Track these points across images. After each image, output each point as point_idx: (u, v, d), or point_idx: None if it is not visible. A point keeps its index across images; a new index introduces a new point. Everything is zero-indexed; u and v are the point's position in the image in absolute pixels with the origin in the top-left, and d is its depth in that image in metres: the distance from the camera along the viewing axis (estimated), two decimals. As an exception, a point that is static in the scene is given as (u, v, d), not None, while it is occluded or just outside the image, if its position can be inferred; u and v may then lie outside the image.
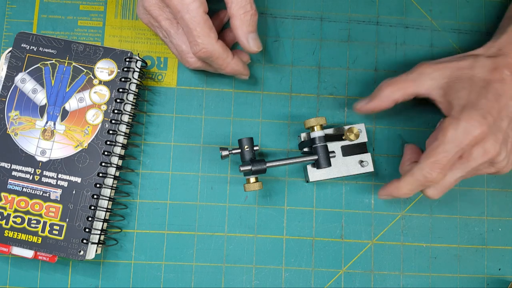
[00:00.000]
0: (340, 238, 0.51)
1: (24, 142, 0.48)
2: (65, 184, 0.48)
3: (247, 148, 0.47)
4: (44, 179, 0.48)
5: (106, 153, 0.48)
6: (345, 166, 0.50)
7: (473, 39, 0.54)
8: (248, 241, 0.51)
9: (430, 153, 0.44)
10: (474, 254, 0.52)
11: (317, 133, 0.48)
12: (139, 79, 0.50)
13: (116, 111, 0.48)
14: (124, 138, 0.49)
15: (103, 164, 0.48)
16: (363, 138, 0.50)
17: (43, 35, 0.49)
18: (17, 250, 0.47)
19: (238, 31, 0.45)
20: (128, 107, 0.50)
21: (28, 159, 0.48)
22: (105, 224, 0.49)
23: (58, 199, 0.47)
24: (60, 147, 0.48)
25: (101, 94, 0.49)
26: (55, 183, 0.48)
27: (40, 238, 0.47)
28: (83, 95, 0.49)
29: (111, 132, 0.48)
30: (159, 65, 0.53)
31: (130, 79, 0.49)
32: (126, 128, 0.49)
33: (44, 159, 0.48)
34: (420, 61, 0.54)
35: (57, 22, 0.52)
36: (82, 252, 0.47)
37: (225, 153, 0.48)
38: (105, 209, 0.48)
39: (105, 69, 0.49)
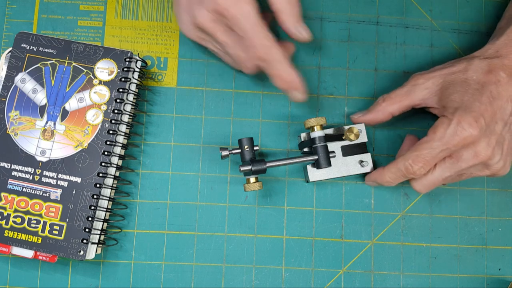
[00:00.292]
0: (340, 238, 0.51)
1: (24, 142, 0.48)
2: (65, 184, 0.48)
3: (247, 148, 0.47)
4: (44, 179, 0.48)
5: (106, 153, 0.48)
6: (345, 166, 0.50)
7: (473, 39, 0.54)
8: (248, 241, 0.51)
9: (416, 147, 0.45)
10: (474, 254, 0.52)
11: (317, 133, 0.48)
12: (139, 79, 0.50)
13: (116, 111, 0.48)
14: (124, 138, 0.49)
15: (103, 164, 0.48)
16: (363, 138, 0.50)
17: (43, 35, 0.49)
18: (17, 250, 0.47)
19: (287, 24, 0.45)
20: (128, 107, 0.50)
21: (28, 159, 0.48)
22: (105, 224, 0.49)
23: (58, 199, 0.47)
24: (60, 147, 0.48)
25: (101, 94, 0.49)
26: (55, 183, 0.48)
27: (40, 238, 0.47)
28: (83, 95, 0.49)
29: (111, 132, 0.48)
30: (159, 65, 0.53)
31: (130, 79, 0.49)
32: (126, 128, 0.49)
33: (44, 159, 0.48)
34: (420, 61, 0.54)
35: (57, 22, 0.52)
36: (82, 252, 0.47)
37: (225, 153, 0.48)
38: (105, 209, 0.48)
39: (105, 69, 0.49)
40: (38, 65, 0.49)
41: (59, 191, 0.48)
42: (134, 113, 0.50)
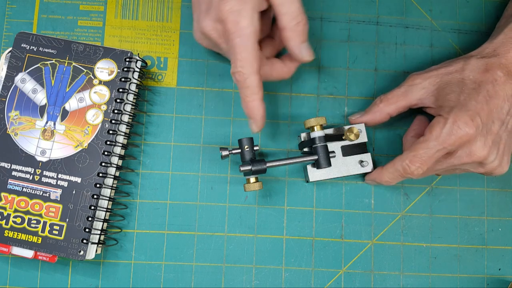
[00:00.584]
0: (340, 238, 0.51)
1: (24, 142, 0.48)
2: (65, 184, 0.48)
3: (247, 148, 0.47)
4: (44, 179, 0.48)
5: (106, 153, 0.48)
6: (345, 166, 0.50)
7: (473, 39, 0.54)
8: (248, 241, 0.51)
9: (413, 147, 0.45)
10: (474, 254, 0.52)
11: (317, 133, 0.48)
12: (139, 79, 0.50)
13: (116, 111, 0.48)
14: (124, 138, 0.49)
15: (103, 164, 0.48)
16: (363, 138, 0.50)
17: (43, 35, 0.49)
18: (17, 250, 0.47)
19: (291, 42, 0.44)
20: (128, 107, 0.50)
21: (28, 159, 0.48)
22: (105, 224, 0.49)
23: (58, 199, 0.47)
24: (60, 147, 0.48)
25: (101, 94, 0.49)
26: (55, 183, 0.48)
27: (40, 238, 0.47)
28: (83, 95, 0.49)
29: (111, 132, 0.48)
30: (159, 65, 0.53)
31: (130, 79, 0.49)
32: (126, 128, 0.49)
33: (44, 159, 0.48)
34: (420, 61, 0.54)
35: (57, 22, 0.52)
36: (82, 252, 0.47)
37: (225, 153, 0.48)
38: (105, 209, 0.48)
39: (105, 69, 0.49)
40: (38, 65, 0.49)
41: (59, 191, 0.48)
42: (134, 113, 0.50)
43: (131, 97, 0.49)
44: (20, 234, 0.47)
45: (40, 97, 0.49)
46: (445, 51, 0.54)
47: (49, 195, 0.48)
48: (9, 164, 0.48)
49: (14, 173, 0.48)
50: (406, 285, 0.51)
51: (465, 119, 0.43)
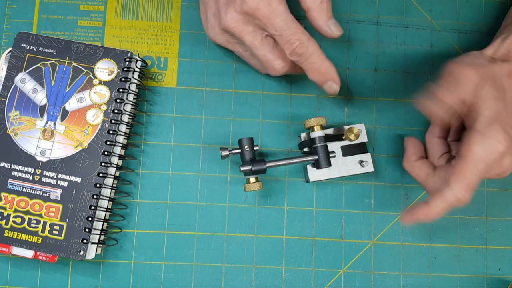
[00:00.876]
0: (340, 238, 0.51)
1: (24, 142, 0.48)
2: (65, 184, 0.48)
3: (247, 148, 0.47)
4: (44, 179, 0.48)
5: (106, 153, 0.48)
6: (345, 166, 0.50)
7: (473, 39, 0.54)
8: (248, 241, 0.51)
9: (461, 175, 0.42)
10: (474, 254, 0.52)
11: (317, 133, 0.48)
12: (139, 79, 0.50)
13: (116, 111, 0.48)
14: (124, 138, 0.49)
15: (103, 164, 0.48)
16: (363, 138, 0.50)
17: (43, 35, 0.49)
18: (17, 250, 0.47)
19: (318, 22, 0.45)
20: (128, 107, 0.50)
21: (28, 159, 0.48)
22: (105, 224, 0.49)
23: (58, 199, 0.47)
24: (60, 147, 0.48)
25: (101, 94, 0.49)
26: (55, 183, 0.48)
27: (40, 238, 0.47)
28: (83, 95, 0.49)
29: (111, 132, 0.48)
30: (159, 65, 0.53)
31: (130, 79, 0.49)
32: (126, 128, 0.49)
33: (44, 159, 0.48)
34: (420, 61, 0.54)
35: (57, 22, 0.52)
36: (82, 252, 0.47)
37: (225, 153, 0.48)
38: (105, 209, 0.48)
39: (105, 69, 0.49)
40: (38, 65, 0.49)
41: (59, 191, 0.48)
42: (134, 113, 0.50)
43: (131, 97, 0.49)
44: (20, 234, 0.47)
45: (40, 97, 0.49)
46: (445, 51, 0.54)
47: (49, 195, 0.48)
48: (9, 164, 0.48)
49: (14, 173, 0.48)
50: (406, 285, 0.51)
51: (502, 134, 0.41)
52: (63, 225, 0.47)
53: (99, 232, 0.48)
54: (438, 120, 0.48)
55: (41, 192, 0.48)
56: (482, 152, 0.41)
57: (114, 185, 0.49)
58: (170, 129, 0.52)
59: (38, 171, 0.48)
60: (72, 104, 0.49)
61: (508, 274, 0.52)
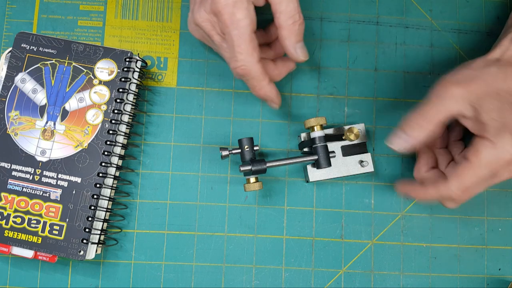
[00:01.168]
0: (340, 238, 0.51)
1: (24, 142, 0.48)
2: (65, 184, 0.48)
3: (247, 148, 0.47)
4: (44, 179, 0.48)
5: (106, 153, 0.48)
6: (345, 166, 0.50)
7: (473, 39, 0.54)
8: (248, 241, 0.51)
9: (461, 175, 0.42)
10: (474, 254, 0.52)
11: (317, 133, 0.48)
12: (139, 79, 0.50)
13: (116, 111, 0.48)
14: (124, 138, 0.49)
15: (103, 164, 0.48)
16: (363, 138, 0.50)
17: (43, 35, 0.49)
18: (17, 250, 0.47)
19: (286, 41, 0.45)
20: (128, 107, 0.50)
21: (28, 159, 0.48)
22: (105, 224, 0.49)
23: (58, 199, 0.47)
24: (60, 147, 0.48)
25: (101, 94, 0.49)
26: (55, 183, 0.48)
27: (40, 238, 0.47)
28: (83, 95, 0.49)
29: (111, 132, 0.48)
30: (159, 65, 0.53)
31: (130, 79, 0.49)
32: (126, 128, 0.49)
33: (44, 159, 0.48)
34: (420, 61, 0.54)
35: (57, 22, 0.52)
36: (82, 252, 0.47)
37: (225, 153, 0.48)
38: (105, 209, 0.48)
39: (105, 69, 0.49)
40: (38, 65, 0.49)
41: (59, 191, 0.48)
42: (134, 113, 0.50)
43: (131, 97, 0.49)
44: (20, 234, 0.47)
45: (40, 97, 0.49)
46: (445, 51, 0.54)
47: (49, 195, 0.48)
48: (9, 164, 0.48)
49: (14, 173, 0.48)
50: (406, 285, 0.51)
51: (511, 141, 0.41)
52: (63, 225, 0.47)
53: (99, 232, 0.48)
54: (423, 149, 0.49)
55: (41, 192, 0.48)
56: (489, 159, 0.41)
57: (114, 185, 0.49)
58: (170, 129, 0.52)
59: (38, 171, 0.48)
60: (72, 104, 0.49)
61: (508, 274, 0.52)
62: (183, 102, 0.52)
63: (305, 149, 0.50)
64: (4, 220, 0.47)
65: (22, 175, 0.48)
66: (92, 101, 0.49)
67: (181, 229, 0.51)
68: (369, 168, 0.50)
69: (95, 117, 0.49)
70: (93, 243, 0.47)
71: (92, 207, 0.47)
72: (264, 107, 0.52)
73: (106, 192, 0.48)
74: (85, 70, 0.49)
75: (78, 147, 0.48)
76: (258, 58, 0.44)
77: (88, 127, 0.48)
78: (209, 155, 0.52)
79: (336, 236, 0.51)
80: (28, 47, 0.49)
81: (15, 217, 0.47)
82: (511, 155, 0.41)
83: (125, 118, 0.49)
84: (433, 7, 0.55)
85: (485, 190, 0.53)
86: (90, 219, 0.47)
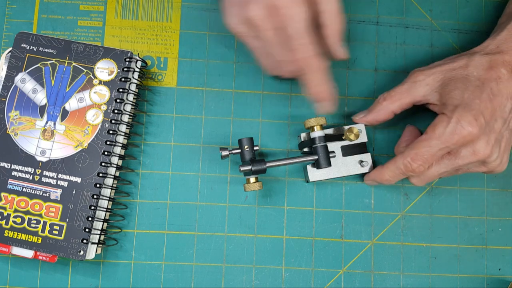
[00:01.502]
0: (340, 238, 0.51)
1: (24, 142, 0.48)
2: (65, 184, 0.48)
3: (247, 148, 0.47)
4: (44, 179, 0.48)
5: (106, 153, 0.48)
6: (345, 166, 0.50)
7: (473, 39, 0.54)
8: (248, 241, 0.51)
9: (415, 145, 0.45)
10: (474, 254, 0.52)
11: (317, 133, 0.48)
12: (139, 79, 0.50)
13: (116, 111, 0.48)
14: (124, 138, 0.49)
15: (103, 164, 0.48)
16: (363, 138, 0.50)
17: (43, 35, 0.49)
18: (17, 250, 0.47)
19: (330, 39, 0.45)
20: (128, 107, 0.50)
21: (28, 159, 0.48)
22: (105, 224, 0.49)
23: (58, 199, 0.47)
24: (60, 147, 0.48)
25: (101, 94, 0.49)
26: (55, 183, 0.48)
27: (40, 238, 0.47)
28: (83, 95, 0.49)
29: (111, 132, 0.48)
30: (159, 65, 0.53)
31: (130, 79, 0.49)
32: (126, 128, 0.49)
33: (44, 159, 0.48)
34: (420, 61, 0.54)
35: (57, 22, 0.52)
36: (82, 252, 0.47)
37: (225, 153, 0.48)
38: (105, 209, 0.48)
39: (105, 69, 0.49)
40: (38, 65, 0.49)
41: (59, 191, 0.48)
42: (134, 113, 0.50)
43: (131, 97, 0.49)
44: (20, 234, 0.47)
45: (40, 97, 0.49)
46: (445, 51, 0.54)
47: (49, 195, 0.48)
48: (9, 164, 0.48)
49: (14, 173, 0.48)
50: (406, 285, 0.51)
51: (469, 118, 0.43)
52: (63, 225, 0.47)
53: (99, 232, 0.48)
54: (409, 126, 0.52)
55: (41, 192, 0.48)
56: (443, 131, 0.44)
57: (114, 185, 0.49)
58: (170, 129, 0.52)
59: (38, 171, 0.48)
60: (72, 104, 0.49)
61: (508, 274, 0.52)
62: (183, 102, 0.52)
63: (305, 149, 0.50)
64: (4, 220, 0.47)
65: (22, 175, 0.48)
66: (92, 101, 0.49)
67: (181, 229, 0.51)
68: (369, 168, 0.50)
69: (95, 117, 0.49)
70: (93, 243, 0.47)
71: (92, 207, 0.47)
72: (264, 107, 0.52)
73: (106, 192, 0.48)
74: (85, 70, 0.49)
75: (78, 147, 0.48)
76: (317, 51, 0.44)
77: (88, 127, 0.48)
78: (209, 155, 0.52)
79: (336, 236, 0.51)
80: (28, 47, 0.49)
81: (15, 217, 0.47)
82: (467, 131, 0.43)
83: (125, 118, 0.49)
84: (433, 7, 0.55)
85: (484, 190, 0.53)
86: (90, 219, 0.47)
